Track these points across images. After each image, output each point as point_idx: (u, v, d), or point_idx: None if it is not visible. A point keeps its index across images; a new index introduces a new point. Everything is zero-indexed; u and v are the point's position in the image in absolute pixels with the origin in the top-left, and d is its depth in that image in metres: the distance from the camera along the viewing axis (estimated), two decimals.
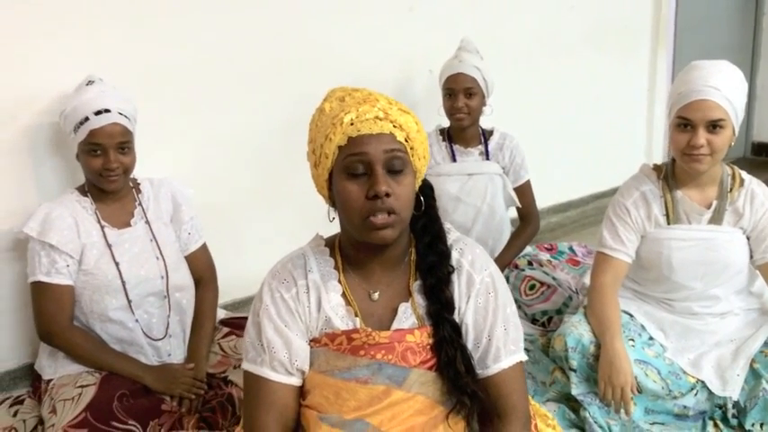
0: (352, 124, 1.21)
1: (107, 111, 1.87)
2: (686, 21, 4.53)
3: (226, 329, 2.18)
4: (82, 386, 1.82)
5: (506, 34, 3.37)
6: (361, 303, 1.33)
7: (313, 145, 1.29)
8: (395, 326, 1.31)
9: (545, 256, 2.93)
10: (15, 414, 1.99)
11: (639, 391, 1.85)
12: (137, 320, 1.97)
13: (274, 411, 1.29)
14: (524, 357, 1.35)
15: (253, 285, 2.65)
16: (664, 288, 2.00)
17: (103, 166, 1.89)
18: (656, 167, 2.03)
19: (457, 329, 1.31)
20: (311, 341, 1.32)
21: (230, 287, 2.42)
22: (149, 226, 2.04)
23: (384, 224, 1.21)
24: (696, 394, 1.87)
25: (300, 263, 1.35)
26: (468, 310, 1.32)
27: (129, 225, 2.01)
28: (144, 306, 1.98)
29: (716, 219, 1.93)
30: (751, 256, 1.96)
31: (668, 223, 1.96)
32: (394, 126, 1.23)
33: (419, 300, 1.33)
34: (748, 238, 1.95)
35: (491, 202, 2.59)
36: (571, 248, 3.15)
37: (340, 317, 1.31)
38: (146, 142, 2.01)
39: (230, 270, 2.35)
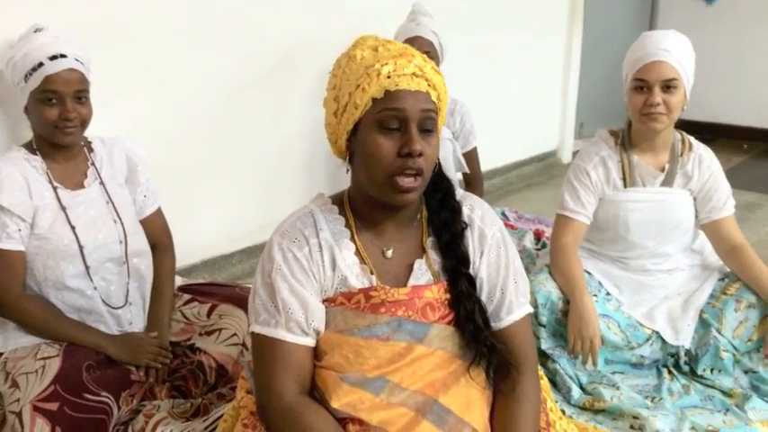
0: (389, 77, 1.19)
1: (63, 56, 1.72)
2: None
3: (187, 296, 2.08)
4: (44, 358, 1.68)
5: (440, 5, 3.40)
6: (375, 261, 1.31)
7: (337, 92, 1.25)
8: (411, 282, 1.31)
9: None
10: None
11: (602, 343, 1.95)
12: (95, 288, 1.84)
13: (292, 372, 1.26)
14: (531, 309, 1.40)
15: (203, 250, 2.59)
16: (619, 247, 2.12)
17: (60, 116, 1.73)
18: (613, 133, 2.14)
19: (473, 284, 1.32)
20: (324, 301, 1.29)
21: (180, 252, 2.31)
22: (104, 187, 1.91)
23: (410, 188, 1.21)
24: (652, 344, 2.01)
25: (310, 221, 1.31)
26: (481, 265, 1.34)
27: (82, 186, 1.87)
28: (101, 273, 1.86)
29: (668, 181, 2.06)
30: (696, 216, 2.11)
31: (624, 186, 2.07)
32: (428, 85, 1.22)
33: (433, 256, 1.34)
34: (695, 199, 2.09)
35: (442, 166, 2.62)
36: (504, 213, 3.27)
37: (355, 275, 1.29)
38: (93, 101, 1.87)
39: (181, 234, 2.24)
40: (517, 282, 1.37)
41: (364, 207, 1.32)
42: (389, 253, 1.33)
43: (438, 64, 2.57)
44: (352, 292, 1.28)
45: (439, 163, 1.37)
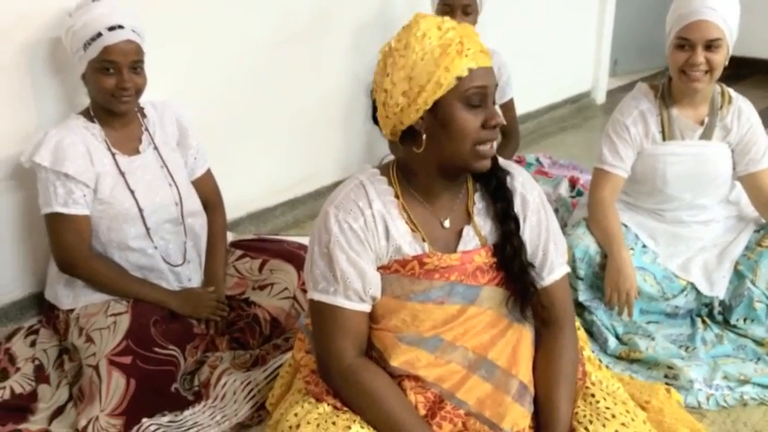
0: (466, 56, 1.24)
1: (121, 27, 1.79)
2: None
3: (239, 252, 2.20)
4: (114, 314, 1.81)
5: None
6: (426, 228, 1.39)
7: (410, 72, 1.27)
8: (461, 248, 1.39)
9: None
10: (33, 344, 1.97)
11: (638, 295, 2.03)
12: (155, 247, 1.96)
13: (351, 336, 1.35)
14: (569, 269, 1.49)
15: (248, 203, 2.69)
16: (656, 200, 2.16)
17: (117, 86, 1.81)
18: (653, 86, 2.15)
19: (521, 243, 1.40)
20: (380, 268, 1.37)
21: (227, 206, 2.39)
22: (158, 152, 2.00)
23: (491, 154, 1.32)
24: (686, 295, 2.08)
25: (362, 192, 1.37)
26: (525, 229, 1.41)
27: (138, 152, 1.96)
28: (160, 233, 1.97)
29: (707, 134, 2.08)
30: (734, 168, 2.14)
31: (663, 140, 2.10)
32: (490, 60, 1.30)
33: (480, 222, 1.41)
34: (733, 152, 2.12)
35: None
36: (538, 160, 3.31)
37: (408, 243, 1.37)
38: None
39: (226, 189, 2.33)
40: (556, 243, 1.45)
41: (426, 179, 1.37)
42: (447, 223, 1.40)
43: (476, 16, 2.57)
44: (406, 260, 1.36)
45: None
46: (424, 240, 1.38)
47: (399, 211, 1.38)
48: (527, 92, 4.01)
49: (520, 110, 3.99)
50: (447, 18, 1.30)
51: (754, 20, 5.11)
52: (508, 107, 2.76)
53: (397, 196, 1.38)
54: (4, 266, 2.07)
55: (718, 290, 2.06)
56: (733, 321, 2.04)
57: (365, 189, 1.38)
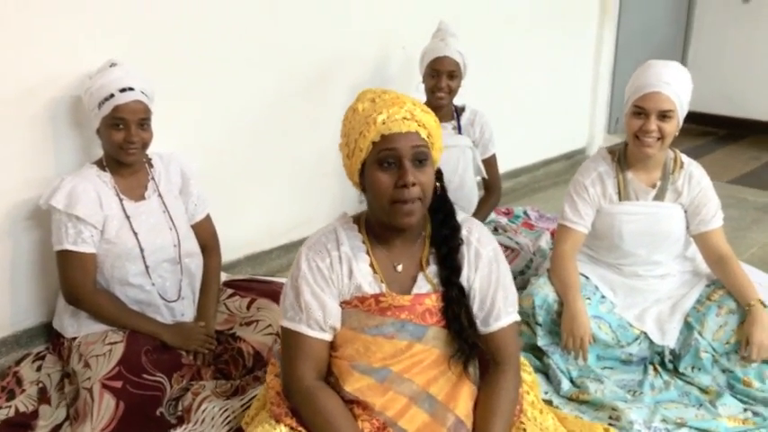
0: (383, 123, 1.45)
1: (131, 89, 2.04)
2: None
3: (230, 291, 2.41)
4: (111, 343, 2.02)
5: (468, 12, 3.60)
6: (386, 272, 1.59)
7: (347, 139, 1.52)
8: (414, 291, 1.58)
9: (503, 220, 3.26)
10: (39, 369, 2.17)
11: (594, 341, 2.19)
12: (153, 284, 2.17)
13: (311, 361, 1.55)
14: (518, 318, 1.65)
15: (246, 246, 2.91)
16: (615, 255, 2.34)
17: (125, 140, 2.05)
18: (611, 151, 2.35)
19: (462, 291, 1.58)
20: (343, 303, 1.57)
21: (226, 248, 2.62)
22: (162, 199, 2.23)
23: (409, 211, 1.47)
24: (640, 343, 2.23)
25: (333, 237, 1.59)
26: (476, 279, 1.60)
27: (143, 198, 2.20)
28: (159, 271, 2.18)
29: (659, 196, 2.27)
30: (687, 227, 2.31)
31: (620, 200, 2.29)
32: (418, 125, 1.47)
33: (433, 269, 1.60)
34: (685, 212, 2.29)
35: (462, 173, 2.87)
36: (525, 212, 3.49)
37: (368, 283, 1.57)
38: (153, 118, 2.16)
39: (227, 232, 2.55)
40: (506, 295, 1.62)
41: (377, 228, 1.59)
42: (400, 267, 1.59)
43: (460, 81, 2.81)
44: (365, 297, 1.56)
45: (443, 187, 1.62)
46: (382, 282, 1.57)
47: (365, 254, 1.58)
48: (523, 146, 4.24)
49: (515, 163, 4.25)
50: (389, 91, 1.52)
51: (752, 83, 5.34)
52: (490, 162, 2.96)
53: (363, 242, 1.59)
54: (20, 297, 2.30)
55: (669, 339, 2.21)
56: (681, 369, 2.19)
57: (336, 234, 1.59)
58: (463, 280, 1.59)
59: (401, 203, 1.46)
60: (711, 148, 5.18)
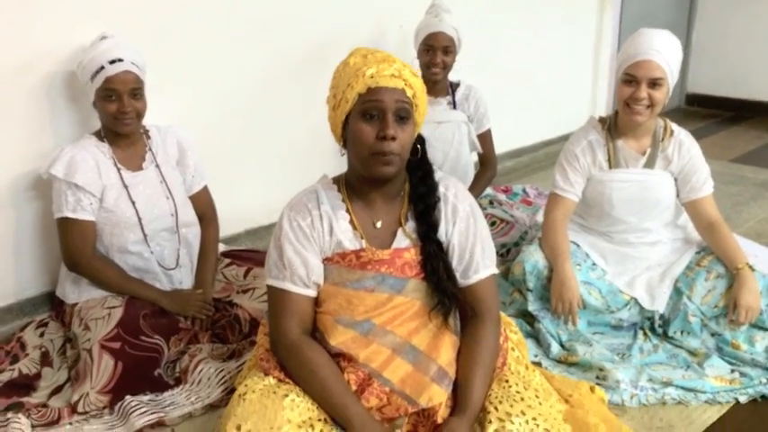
0: (372, 77, 1.50)
1: (120, 60, 2.08)
2: None
3: (227, 260, 2.47)
4: (110, 307, 2.08)
5: None
6: (366, 228, 1.64)
7: (335, 90, 1.56)
8: (394, 246, 1.63)
9: (502, 197, 3.29)
10: (42, 335, 2.24)
11: (584, 307, 2.22)
12: (152, 252, 2.23)
13: (296, 316, 1.60)
14: (496, 271, 1.70)
15: (245, 221, 2.96)
16: (605, 222, 2.36)
17: (118, 110, 2.10)
18: (601, 120, 2.37)
19: (440, 246, 1.63)
20: (325, 260, 1.63)
21: (226, 222, 2.67)
22: (159, 169, 2.28)
23: (387, 161, 1.51)
24: (630, 309, 2.26)
25: (313, 197, 1.64)
26: (454, 233, 1.65)
27: (141, 168, 2.25)
28: (157, 240, 2.24)
29: (649, 163, 2.29)
30: (678, 195, 2.34)
31: (610, 167, 2.31)
32: (405, 84, 1.52)
33: (412, 225, 1.65)
34: (676, 180, 2.32)
35: (458, 147, 2.91)
36: (524, 190, 3.52)
37: (348, 239, 1.62)
38: (149, 93, 2.21)
39: (227, 208, 2.60)
40: (484, 248, 1.67)
41: (357, 184, 1.64)
42: (379, 224, 1.64)
43: (455, 56, 2.83)
44: (345, 253, 1.61)
45: (423, 147, 1.67)
46: (362, 238, 1.62)
47: (344, 212, 1.63)
48: (524, 126, 4.26)
49: (515, 144, 4.27)
50: (381, 51, 1.56)
51: (755, 65, 5.32)
52: (485, 137, 2.99)
53: (343, 200, 1.64)
54: (24, 267, 2.36)
55: (659, 304, 2.24)
56: (671, 333, 2.22)
57: (317, 194, 1.65)
58: (441, 235, 1.63)
59: (380, 155, 1.51)
60: (715, 129, 5.18)
